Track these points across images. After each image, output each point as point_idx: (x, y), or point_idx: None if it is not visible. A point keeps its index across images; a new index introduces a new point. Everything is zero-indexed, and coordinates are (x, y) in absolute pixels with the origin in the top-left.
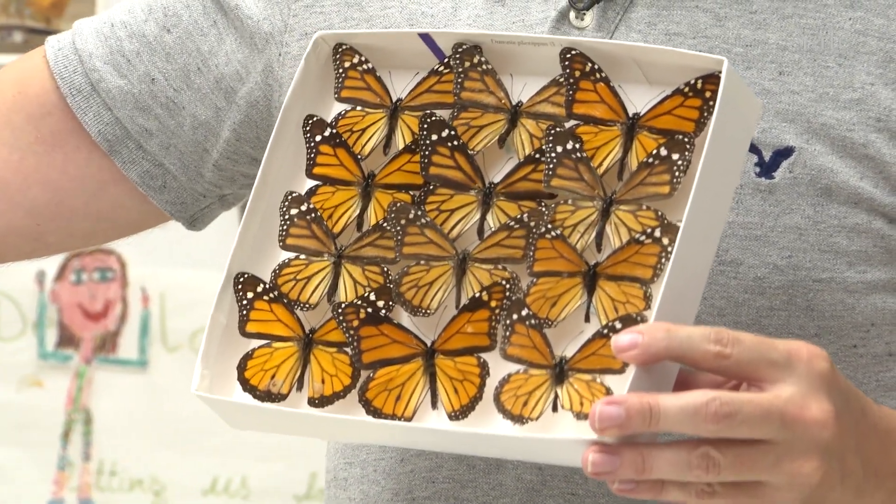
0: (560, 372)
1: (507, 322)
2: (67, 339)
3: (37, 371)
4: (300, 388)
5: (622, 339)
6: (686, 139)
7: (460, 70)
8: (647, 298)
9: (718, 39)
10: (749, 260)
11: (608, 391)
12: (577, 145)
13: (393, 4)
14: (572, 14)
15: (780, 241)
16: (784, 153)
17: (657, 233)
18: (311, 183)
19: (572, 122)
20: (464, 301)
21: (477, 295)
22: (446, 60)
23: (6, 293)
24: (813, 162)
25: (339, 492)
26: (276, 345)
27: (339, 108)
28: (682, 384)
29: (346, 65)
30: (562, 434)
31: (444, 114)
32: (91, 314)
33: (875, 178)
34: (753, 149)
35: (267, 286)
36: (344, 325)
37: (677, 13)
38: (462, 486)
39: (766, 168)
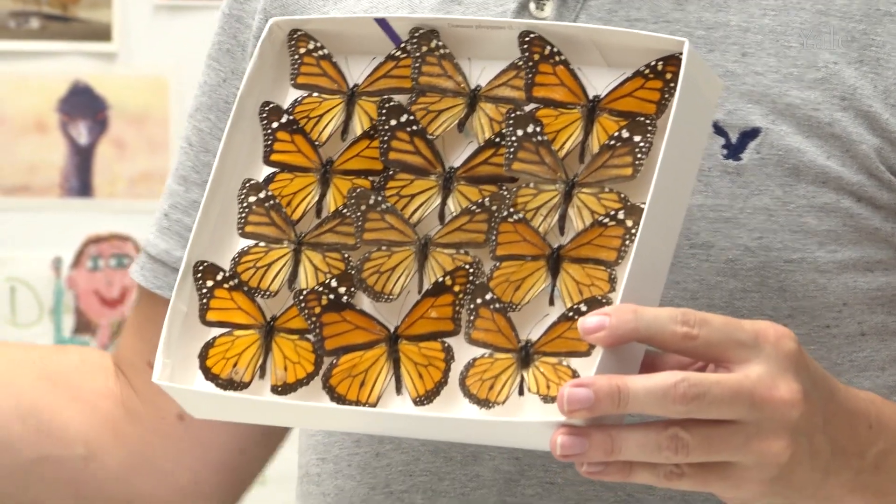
0: (526, 355)
1: (472, 306)
2: (84, 325)
3: None
4: (262, 375)
5: (589, 321)
6: (648, 121)
7: (417, 55)
8: (612, 281)
9: (680, 23)
10: (720, 242)
11: (574, 374)
12: (538, 129)
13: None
14: (532, 5)
15: (751, 223)
16: (751, 134)
17: (621, 215)
18: (268, 170)
19: (532, 106)
20: (426, 286)
21: (440, 280)
22: (403, 45)
23: (23, 280)
24: (780, 142)
25: (311, 487)
26: (238, 333)
27: (296, 94)
28: (648, 366)
29: (302, 51)
30: (529, 417)
31: (401, 99)
32: (108, 301)
33: (842, 157)
34: (720, 131)
35: (227, 274)
36: (306, 311)
37: None
38: (439, 478)
39: (734, 150)
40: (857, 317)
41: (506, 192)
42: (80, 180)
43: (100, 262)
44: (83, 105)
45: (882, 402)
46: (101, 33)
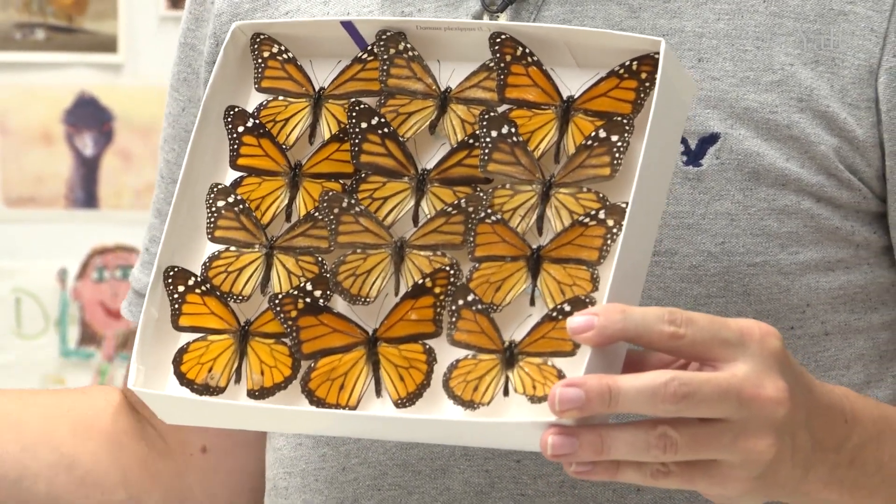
0: (510, 356)
1: (453, 308)
2: (89, 337)
3: (59, 369)
4: (238, 380)
5: (577, 320)
6: (625, 120)
7: (385, 57)
8: (594, 280)
9: (635, 31)
10: (683, 249)
11: (560, 374)
12: (513, 129)
13: None
14: (486, 17)
15: (713, 228)
16: (710, 140)
17: (601, 214)
18: (234, 174)
19: (505, 107)
20: (403, 289)
21: (420, 282)
22: (370, 48)
23: (28, 291)
24: (738, 146)
25: (279, 500)
26: (212, 338)
27: (259, 98)
28: (630, 365)
29: (266, 54)
30: (518, 417)
31: (370, 101)
32: (113, 312)
33: (801, 158)
34: None
35: (198, 279)
36: (282, 315)
37: (591, 8)
38: (409, 492)
39: (694, 156)
40: (820, 317)
41: (482, 194)
42: (86, 191)
43: (105, 274)
44: (89, 116)
45: (854, 396)
46: (107, 44)
